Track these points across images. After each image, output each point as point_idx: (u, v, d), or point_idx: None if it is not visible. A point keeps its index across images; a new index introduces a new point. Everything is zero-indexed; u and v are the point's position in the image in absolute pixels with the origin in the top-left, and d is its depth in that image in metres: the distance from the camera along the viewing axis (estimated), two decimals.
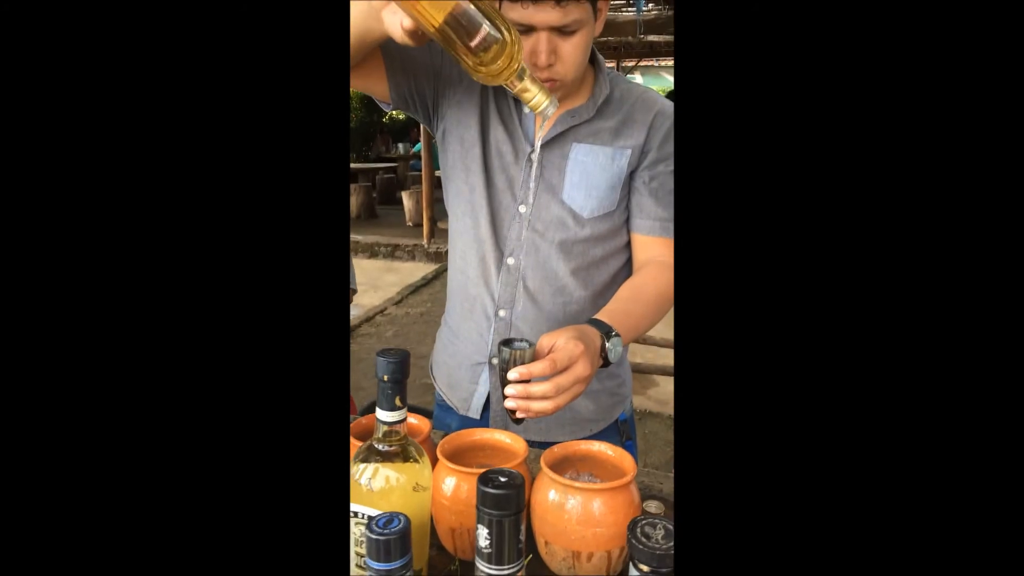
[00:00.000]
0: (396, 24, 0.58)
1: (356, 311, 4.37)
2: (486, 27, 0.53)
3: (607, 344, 0.75)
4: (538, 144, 0.84)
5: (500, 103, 0.90)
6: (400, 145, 10.08)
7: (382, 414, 0.50)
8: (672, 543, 0.38)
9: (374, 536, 0.37)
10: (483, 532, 0.34)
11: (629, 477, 0.66)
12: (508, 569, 0.35)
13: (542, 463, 0.67)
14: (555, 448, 0.71)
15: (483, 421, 0.95)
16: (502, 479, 0.35)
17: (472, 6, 0.53)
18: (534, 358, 0.68)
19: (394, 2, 0.56)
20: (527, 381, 0.68)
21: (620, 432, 1.01)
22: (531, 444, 0.96)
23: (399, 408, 0.50)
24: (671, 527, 0.40)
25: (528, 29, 0.77)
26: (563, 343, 0.69)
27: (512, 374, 0.67)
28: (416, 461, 0.51)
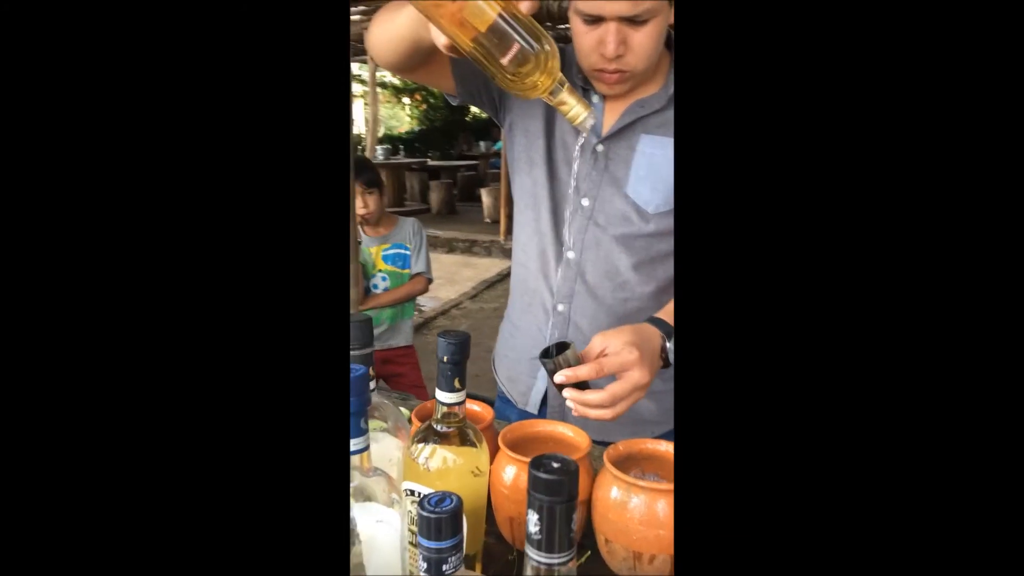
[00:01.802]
0: (439, 38, 0.58)
1: (432, 303, 4.48)
2: (519, 43, 0.51)
3: (668, 345, 0.72)
4: (595, 136, 0.81)
5: None
6: (481, 143, 10.24)
7: (441, 395, 0.50)
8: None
9: (425, 513, 0.36)
10: (533, 518, 0.33)
11: None
12: (558, 558, 0.34)
13: (605, 459, 0.65)
14: (619, 445, 0.69)
15: (541, 415, 0.94)
16: (555, 464, 0.34)
17: (503, 22, 0.51)
18: (579, 359, 0.66)
19: (429, 22, 0.56)
20: (580, 385, 0.66)
21: None
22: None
23: (458, 390, 0.49)
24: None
25: (596, 19, 0.74)
26: (617, 349, 0.66)
27: (558, 377, 0.65)
28: (474, 445, 0.51)
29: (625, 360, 0.65)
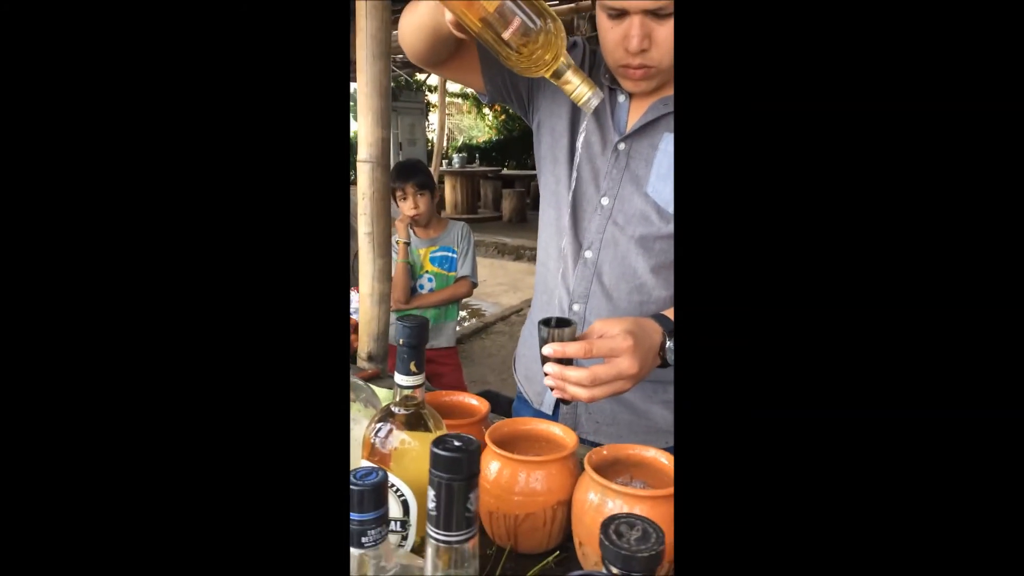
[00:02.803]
0: (447, 15, 0.59)
1: (494, 309, 4.52)
2: (520, 17, 0.51)
3: (668, 343, 0.69)
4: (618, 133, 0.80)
5: None
6: None
7: (399, 378, 0.51)
8: (648, 546, 0.34)
9: (351, 485, 0.37)
10: (431, 494, 0.34)
11: None
12: (455, 536, 0.34)
13: (585, 463, 0.63)
14: (604, 449, 0.67)
15: (554, 417, 0.93)
16: (456, 443, 0.34)
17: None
18: (574, 337, 0.65)
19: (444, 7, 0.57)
20: (567, 361, 0.65)
21: None
22: None
23: (414, 373, 0.50)
24: (652, 530, 0.36)
25: (620, 13, 0.74)
26: (613, 334, 0.64)
27: (546, 350, 0.64)
28: (430, 431, 0.52)
29: (616, 346, 0.64)
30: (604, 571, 0.35)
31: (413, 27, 0.79)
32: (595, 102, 0.59)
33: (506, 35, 0.53)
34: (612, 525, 0.36)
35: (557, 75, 0.57)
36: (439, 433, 0.54)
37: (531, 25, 0.53)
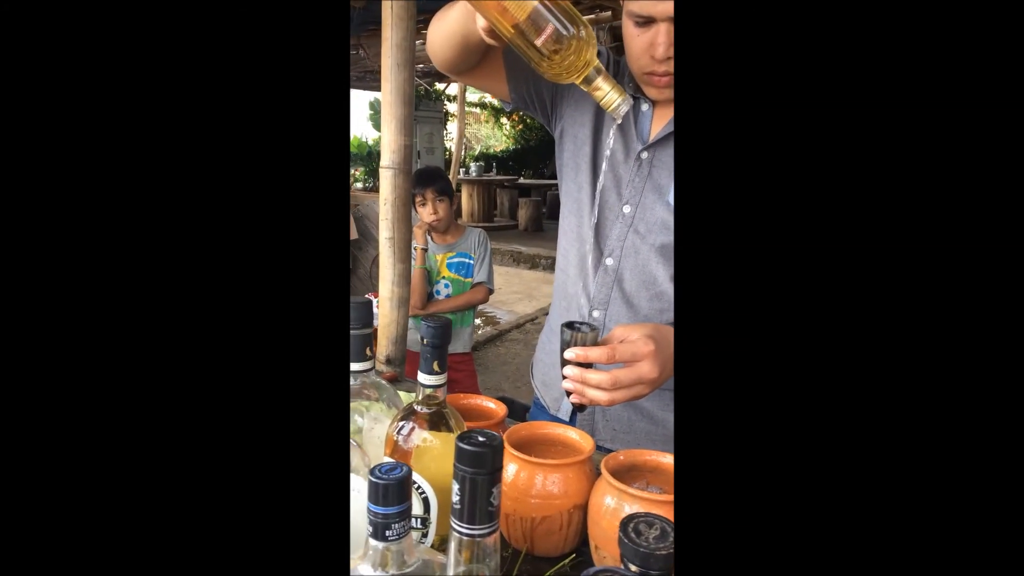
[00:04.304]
0: (480, 22, 0.61)
1: (509, 316, 4.53)
2: (553, 23, 0.53)
3: None
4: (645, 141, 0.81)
5: None
6: None
7: (423, 377, 0.52)
8: (666, 544, 0.35)
9: (373, 479, 0.39)
10: (455, 488, 0.35)
11: None
12: (478, 529, 0.35)
13: (602, 467, 0.64)
14: (620, 454, 0.68)
15: (572, 423, 0.94)
16: (480, 438, 0.35)
17: (541, 5, 0.53)
18: (596, 342, 0.66)
19: (471, 4, 0.59)
20: (587, 366, 0.65)
21: None
22: None
23: (437, 373, 0.51)
24: (670, 529, 0.36)
25: (647, 20, 0.75)
26: (634, 338, 0.65)
27: (568, 353, 0.65)
28: (451, 431, 0.53)
29: (638, 350, 0.64)
30: (623, 568, 0.36)
31: (443, 35, 0.81)
32: (625, 108, 0.60)
33: (539, 41, 0.54)
34: (631, 524, 0.37)
35: (588, 81, 0.58)
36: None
37: (564, 32, 0.54)
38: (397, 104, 1.12)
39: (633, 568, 0.35)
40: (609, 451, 0.95)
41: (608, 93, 0.57)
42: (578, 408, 0.71)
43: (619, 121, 0.83)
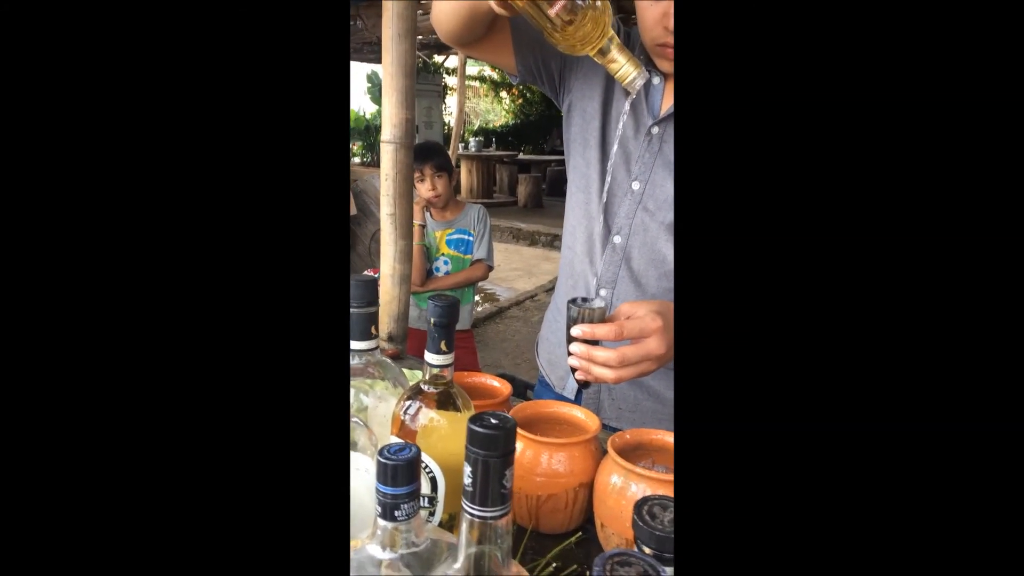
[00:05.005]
0: None
1: (508, 294, 4.53)
2: None
3: None
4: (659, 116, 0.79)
5: None
6: None
7: (429, 357, 0.51)
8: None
9: (382, 460, 0.38)
10: (467, 470, 0.34)
11: None
12: (490, 511, 0.34)
13: (608, 446, 0.64)
14: (627, 433, 0.68)
15: (577, 402, 0.93)
16: (493, 421, 0.34)
17: None
18: (603, 319, 0.65)
19: None
20: (593, 343, 0.65)
21: None
22: None
23: (444, 352, 0.51)
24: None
25: None
26: (641, 315, 0.64)
27: (575, 330, 0.64)
28: (458, 410, 0.52)
29: (646, 326, 0.63)
30: (636, 551, 0.35)
31: (449, 5, 0.78)
32: (640, 82, 0.58)
33: (552, 11, 0.52)
34: (645, 506, 0.37)
35: (603, 53, 0.56)
36: (467, 413, 0.54)
37: (579, 0, 0.52)
38: (398, 76, 1.09)
39: (647, 551, 0.35)
40: (614, 430, 0.95)
41: (624, 66, 0.55)
42: (583, 385, 0.70)
43: (632, 95, 0.81)
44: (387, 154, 1.14)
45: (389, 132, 1.13)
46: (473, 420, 0.35)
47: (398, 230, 1.18)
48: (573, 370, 0.68)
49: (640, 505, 0.36)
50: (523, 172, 8.44)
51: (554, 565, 0.58)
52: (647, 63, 0.84)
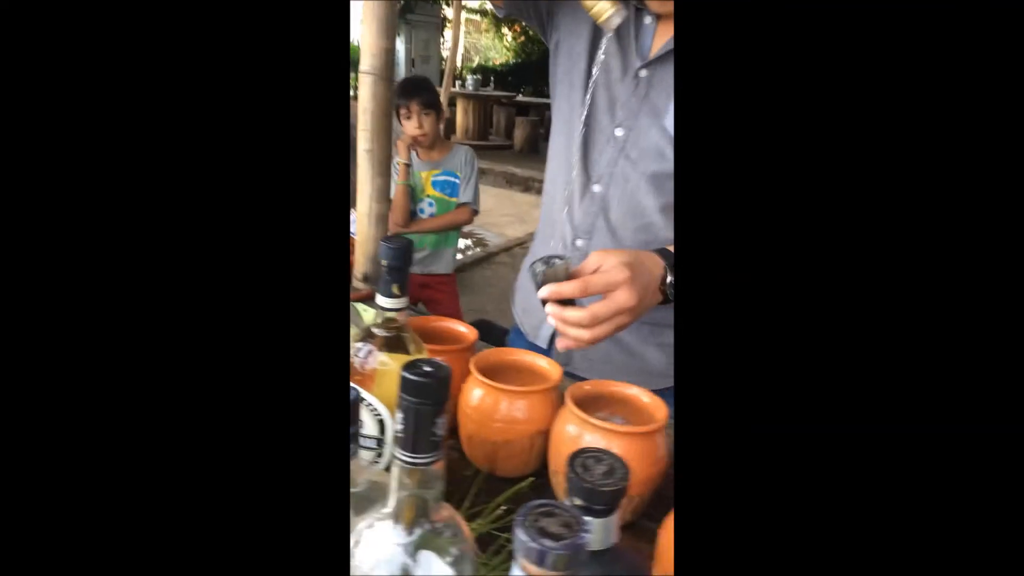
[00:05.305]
0: None
1: (498, 240, 4.50)
2: None
3: (669, 277, 0.67)
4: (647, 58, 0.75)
5: None
6: None
7: (381, 300, 0.50)
8: (612, 481, 0.34)
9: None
10: (399, 417, 0.33)
11: (654, 426, 0.60)
12: (420, 459, 0.34)
13: (567, 396, 0.64)
14: (586, 384, 0.68)
15: (549, 351, 0.93)
16: (427, 368, 0.33)
17: None
18: (568, 275, 0.63)
19: None
20: (567, 302, 0.63)
21: None
22: None
23: (396, 296, 0.49)
24: (618, 465, 0.36)
25: None
26: (608, 267, 0.62)
27: (542, 292, 0.62)
28: (408, 352, 0.51)
29: (613, 279, 0.60)
30: (568, 502, 0.35)
31: None
32: (617, 21, 0.54)
33: None
34: (579, 459, 0.36)
35: None
36: (419, 356, 0.54)
37: None
38: (379, 3, 1.03)
39: (578, 502, 0.35)
40: (581, 379, 0.95)
41: (600, 2, 0.52)
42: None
43: (609, 34, 0.77)
44: (365, 86, 1.10)
45: (368, 63, 1.08)
46: (407, 367, 0.34)
47: (375, 167, 1.15)
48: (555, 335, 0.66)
49: (574, 457, 0.36)
50: (521, 115, 8.21)
51: (503, 508, 0.59)
52: (639, 1, 0.79)
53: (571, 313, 0.62)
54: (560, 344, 0.66)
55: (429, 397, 0.34)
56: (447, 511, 0.38)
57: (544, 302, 0.63)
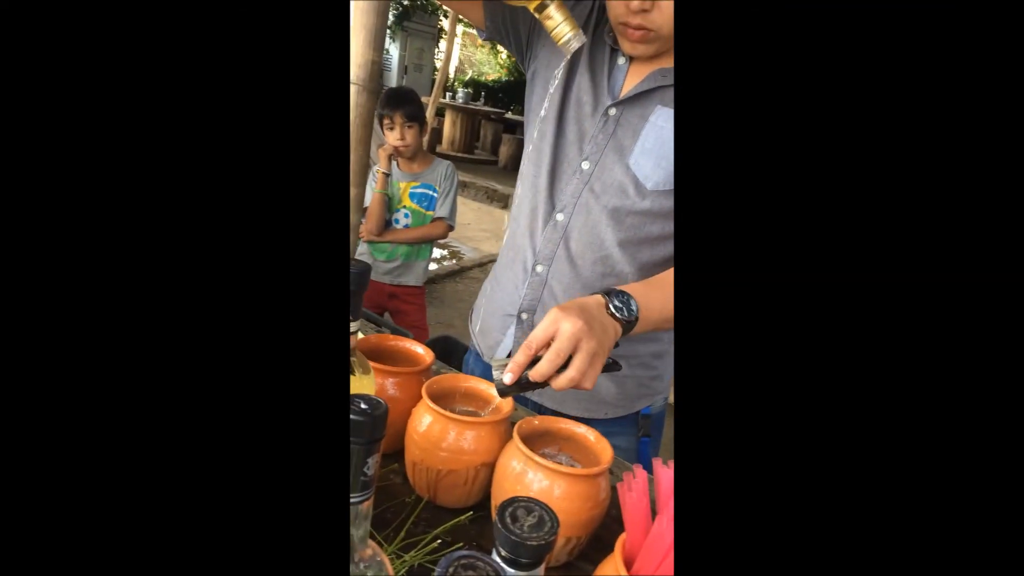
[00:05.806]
0: None
1: (472, 254, 4.49)
2: None
3: (613, 303, 0.67)
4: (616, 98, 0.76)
5: (595, 50, 0.84)
6: None
7: None
8: (539, 535, 0.34)
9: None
10: None
11: (598, 469, 0.61)
12: (352, 497, 0.33)
13: (515, 431, 0.63)
14: (535, 419, 0.68)
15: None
16: (363, 406, 0.33)
17: None
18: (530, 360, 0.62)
19: None
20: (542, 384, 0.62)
21: (639, 426, 0.93)
22: (544, 412, 0.93)
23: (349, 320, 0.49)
24: (548, 518, 0.35)
25: None
26: (563, 329, 0.61)
27: (506, 378, 0.61)
28: (353, 374, 0.51)
29: (546, 324, 0.62)
30: (488, 555, 0.35)
31: None
32: (576, 44, 0.55)
33: None
34: (510, 508, 0.36)
35: (541, 8, 0.53)
36: (364, 379, 0.53)
37: None
38: (369, 13, 1.03)
39: (503, 553, 0.34)
40: (537, 406, 0.95)
41: (560, 25, 0.53)
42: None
43: (568, 57, 0.78)
44: (349, 97, 1.09)
45: (354, 73, 1.07)
46: None
47: (352, 177, 1.14)
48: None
49: (505, 506, 0.36)
50: (508, 132, 8.28)
51: (439, 540, 0.59)
52: (614, 42, 0.82)
53: (563, 378, 0.61)
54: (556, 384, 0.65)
55: (361, 436, 0.33)
56: (370, 550, 0.37)
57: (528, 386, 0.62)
